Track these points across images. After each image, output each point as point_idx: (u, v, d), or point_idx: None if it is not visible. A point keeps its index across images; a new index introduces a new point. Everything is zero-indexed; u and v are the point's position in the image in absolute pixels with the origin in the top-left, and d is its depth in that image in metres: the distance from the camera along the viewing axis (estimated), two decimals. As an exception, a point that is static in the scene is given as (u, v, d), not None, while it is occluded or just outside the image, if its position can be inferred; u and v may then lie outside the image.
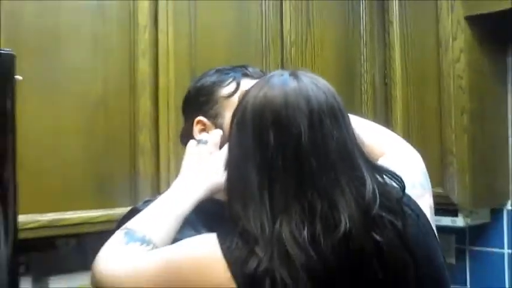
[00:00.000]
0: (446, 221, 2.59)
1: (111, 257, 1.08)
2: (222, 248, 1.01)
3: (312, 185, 1.03)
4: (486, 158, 2.66)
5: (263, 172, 1.05)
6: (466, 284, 2.85)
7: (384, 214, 1.04)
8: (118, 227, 1.45)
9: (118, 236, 1.12)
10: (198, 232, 1.18)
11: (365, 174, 1.07)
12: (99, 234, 1.52)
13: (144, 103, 2.09)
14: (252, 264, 0.98)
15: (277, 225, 1.00)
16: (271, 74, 1.16)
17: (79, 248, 2.24)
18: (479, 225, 2.76)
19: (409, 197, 1.16)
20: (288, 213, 1.01)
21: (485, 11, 2.50)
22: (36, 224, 1.83)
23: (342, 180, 1.04)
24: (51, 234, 1.95)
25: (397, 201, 1.09)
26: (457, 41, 2.57)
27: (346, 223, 1.00)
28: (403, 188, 1.13)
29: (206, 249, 1.02)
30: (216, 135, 1.31)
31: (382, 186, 1.09)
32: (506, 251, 2.76)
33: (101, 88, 2.02)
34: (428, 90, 2.66)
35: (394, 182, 1.13)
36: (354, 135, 1.12)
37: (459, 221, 2.62)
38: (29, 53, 1.84)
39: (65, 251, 2.23)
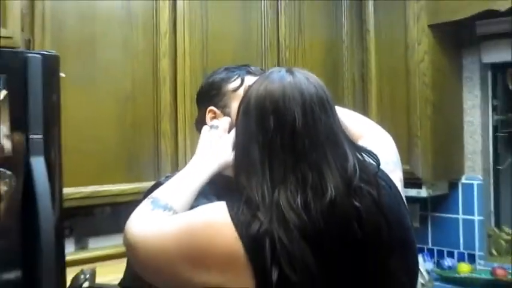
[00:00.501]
0: (412, 192, 2.60)
1: (140, 221, 1.06)
2: (230, 214, 1.00)
3: (305, 160, 1.02)
4: (445, 140, 2.67)
5: (264, 151, 1.04)
6: (428, 244, 2.87)
7: (362, 185, 1.04)
8: (144, 197, 1.46)
9: (145, 203, 1.11)
10: (210, 201, 1.17)
11: (347, 152, 1.06)
12: (129, 203, 1.53)
13: (165, 96, 2.08)
14: (255, 226, 0.98)
15: (275, 194, 1.00)
16: (271, 70, 1.15)
17: (113, 214, 2.24)
18: (439, 195, 2.77)
19: (383, 172, 1.15)
20: (285, 184, 1.01)
21: (444, 20, 2.50)
22: (79, 195, 1.83)
23: (328, 157, 1.03)
24: (91, 204, 1.95)
25: (373, 175, 1.08)
26: (421, 45, 2.57)
27: (331, 191, 0.99)
28: (378, 164, 1.12)
29: (217, 215, 1.02)
30: (225, 121, 1.29)
31: (361, 162, 1.08)
32: (461, 216, 2.77)
33: (129, 83, 2.01)
34: (398, 85, 2.65)
35: (371, 159, 1.13)
36: (339, 121, 1.11)
37: (423, 192, 2.63)
38: (70, 55, 1.84)
39: (101, 217, 2.23)
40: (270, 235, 0.97)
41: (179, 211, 1.10)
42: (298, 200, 0.99)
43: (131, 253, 1.06)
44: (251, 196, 1.02)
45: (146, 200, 1.13)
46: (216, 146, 1.25)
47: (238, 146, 1.13)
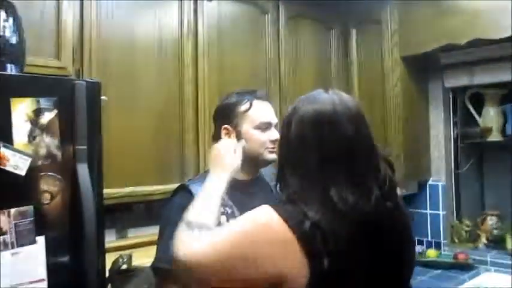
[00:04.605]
0: (389, 192, 2.54)
1: (185, 245, 0.98)
2: (277, 212, 0.92)
3: (352, 163, 0.98)
4: (414, 149, 2.61)
5: (317, 154, 0.98)
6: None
7: (389, 190, 1.00)
8: (172, 195, 1.41)
9: (182, 229, 1.03)
10: (223, 201, 1.16)
11: (380, 161, 1.02)
12: (160, 201, 1.47)
13: (189, 114, 2.03)
14: (305, 219, 0.90)
15: (328, 191, 0.94)
16: (317, 91, 1.09)
17: (147, 210, 2.18)
18: (411, 194, 2.70)
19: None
20: (336, 182, 0.95)
21: (413, 53, 2.47)
22: (119, 194, 1.78)
23: (368, 162, 0.99)
24: (129, 201, 1.89)
25: (391, 180, 1.02)
26: (395, 73, 2.52)
27: (376, 192, 0.96)
28: (393, 171, 1.06)
29: (265, 215, 0.93)
30: (232, 142, 1.31)
31: (385, 169, 1.02)
32: (428, 211, 2.71)
33: (161, 104, 1.96)
34: (376, 105, 2.59)
35: (387, 166, 1.05)
36: (372, 134, 1.05)
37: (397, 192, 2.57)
38: (113, 81, 1.79)
39: (137, 212, 2.17)
40: (320, 227, 0.89)
41: (212, 225, 1.03)
42: (350, 197, 0.93)
43: (189, 273, 0.97)
44: (298, 192, 0.96)
45: (181, 226, 1.04)
46: (223, 160, 1.22)
47: (290, 151, 1.03)
